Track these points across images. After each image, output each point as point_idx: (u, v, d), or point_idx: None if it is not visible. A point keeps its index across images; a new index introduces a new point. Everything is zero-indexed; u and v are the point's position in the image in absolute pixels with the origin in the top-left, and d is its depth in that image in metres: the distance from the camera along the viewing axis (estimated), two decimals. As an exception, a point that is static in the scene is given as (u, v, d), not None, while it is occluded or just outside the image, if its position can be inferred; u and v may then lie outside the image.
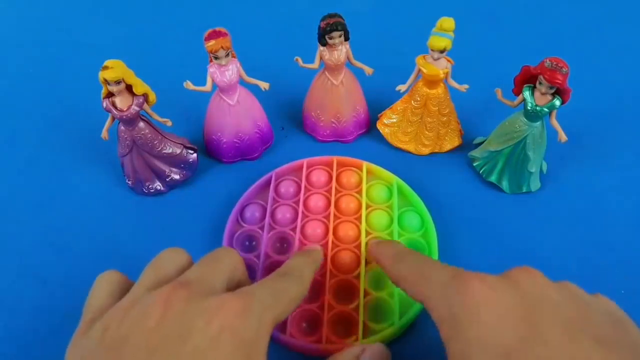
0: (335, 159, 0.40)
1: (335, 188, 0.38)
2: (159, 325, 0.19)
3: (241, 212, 0.37)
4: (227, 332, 0.19)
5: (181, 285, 0.21)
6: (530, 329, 0.19)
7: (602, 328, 0.20)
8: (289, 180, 0.39)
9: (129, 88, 0.35)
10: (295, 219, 0.36)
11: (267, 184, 0.39)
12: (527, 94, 0.35)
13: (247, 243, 0.36)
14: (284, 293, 0.24)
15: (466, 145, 0.43)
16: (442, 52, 0.37)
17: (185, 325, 0.19)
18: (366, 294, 0.32)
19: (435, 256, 0.34)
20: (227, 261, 0.24)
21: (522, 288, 0.20)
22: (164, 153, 0.39)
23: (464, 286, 0.20)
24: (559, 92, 0.34)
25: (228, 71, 0.37)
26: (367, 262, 0.33)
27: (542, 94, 0.34)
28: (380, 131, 0.44)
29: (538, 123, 0.36)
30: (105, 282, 0.23)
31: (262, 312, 0.21)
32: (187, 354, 0.18)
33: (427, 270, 0.23)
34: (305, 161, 0.40)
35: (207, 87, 0.38)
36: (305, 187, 0.38)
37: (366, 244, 0.34)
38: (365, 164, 0.40)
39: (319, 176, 0.39)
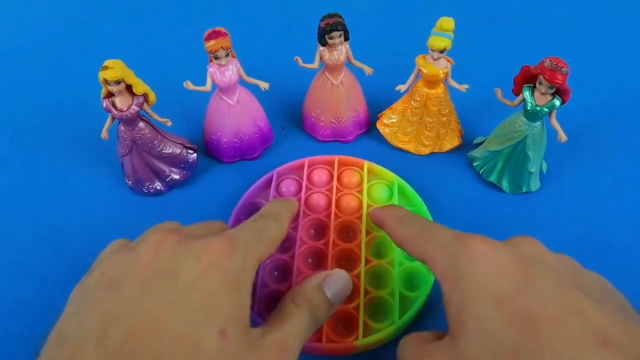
0: (336, 158, 0.40)
1: (337, 187, 0.38)
2: (152, 263, 0.21)
3: (243, 210, 0.37)
4: (214, 268, 0.21)
5: (172, 230, 0.23)
6: (525, 281, 0.20)
7: (595, 289, 0.21)
8: (290, 179, 0.39)
9: (129, 88, 0.35)
10: (296, 218, 0.36)
11: (269, 183, 0.39)
12: (527, 94, 0.35)
13: (247, 243, 0.36)
14: (264, 233, 0.25)
15: (466, 145, 0.43)
16: (442, 52, 0.37)
17: (176, 263, 0.21)
18: (366, 292, 0.32)
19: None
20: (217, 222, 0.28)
21: (521, 250, 0.22)
22: (164, 153, 0.39)
23: (466, 243, 0.22)
24: (558, 92, 0.34)
25: (228, 71, 0.37)
26: (367, 261, 0.33)
27: (542, 94, 0.34)
28: (380, 131, 0.44)
29: (538, 123, 0.36)
30: (114, 244, 0.25)
31: (245, 251, 0.23)
32: (179, 286, 0.20)
33: (432, 231, 0.24)
34: (306, 160, 0.40)
35: (207, 87, 0.38)
36: (307, 186, 0.38)
37: (367, 214, 0.34)
38: (366, 164, 0.40)
39: (320, 175, 0.39)
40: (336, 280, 0.26)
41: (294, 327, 0.23)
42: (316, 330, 0.24)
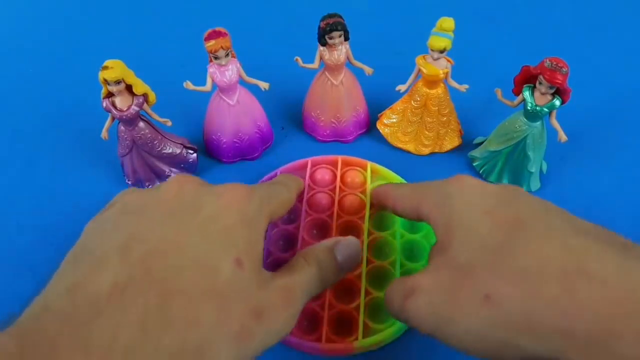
0: (340, 158, 0.40)
1: (339, 187, 0.38)
2: (175, 197, 0.22)
3: None
4: (234, 206, 0.22)
5: (191, 175, 0.25)
6: (509, 197, 0.22)
7: (577, 219, 0.22)
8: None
9: (129, 88, 0.35)
10: (298, 217, 0.36)
11: None
12: (527, 94, 0.35)
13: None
14: (275, 193, 0.27)
15: (466, 145, 0.43)
16: (442, 52, 0.37)
17: (198, 199, 0.22)
18: (367, 293, 0.32)
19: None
20: None
21: (505, 185, 0.24)
22: (164, 153, 0.39)
23: (454, 178, 0.24)
24: (558, 92, 0.34)
25: (228, 71, 0.37)
26: (369, 262, 0.33)
27: (542, 94, 0.34)
28: (380, 131, 0.44)
29: (538, 123, 0.36)
30: (128, 189, 0.26)
31: (261, 200, 0.24)
32: (200, 217, 0.21)
33: (425, 184, 0.26)
34: (309, 160, 0.40)
35: (207, 87, 0.38)
36: (309, 185, 0.38)
37: (371, 194, 0.35)
38: (369, 164, 0.40)
39: (323, 175, 0.39)
40: (347, 246, 0.26)
41: (301, 278, 0.23)
42: (322, 291, 0.26)
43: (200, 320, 0.18)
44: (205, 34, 0.35)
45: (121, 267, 0.18)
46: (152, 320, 0.17)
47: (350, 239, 0.27)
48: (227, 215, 0.22)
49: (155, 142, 0.38)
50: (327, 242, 0.26)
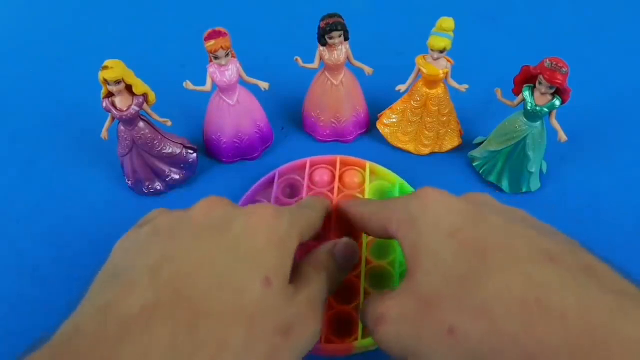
0: (338, 158, 0.40)
1: (338, 187, 0.38)
2: (204, 219, 0.23)
3: None
4: (263, 226, 0.22)
5: (223, 197, 0.25)
6: (475, 217, 0.22)
7: (543, 228, 0.22)
8: (292, 179, 0.39)
9: (128, 88, 0.35)
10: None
11: (271, 182, 0.39)
12: (527, 94, 0.35)
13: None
14: (304, 216, 0.27)
15: (466, 145, 0.43)
16: (442, 52, 0.37)
17: (228, 219, 0.23)
18: (366, 293, 0.32)
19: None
20: None
21: (471, 199, 0.24)
22: (164, 153, 0.39)
23: (418, 194, 0.24)
24: (558, 92, 0.34)
25: (228, 71, 0.37)
26: (368, 262, 0.33)
27: (542, 94, 0.34)
28: (380, 131, 0.44)
29: (538, 123, 0.36)
30: (159, 209, 0.26)
31: (291, 221, 0.24)
32: (229, 237, 0.22)
33: (390, 201, 0.26)
34: (308, 160, 0.40)
35: (207, 87, 0.38)
36: (308, 186, 0.38)
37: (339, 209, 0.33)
38: (368, 164, 0.40)
39: (322, 175, 0.39)
40: (344, 247, 0.27)
41: (317, 288, 0.24)
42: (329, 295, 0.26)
43: (229, 342, 0.18)
44: (205, 34, 0.35)
45: (151, 289, 0.19)
46: (181, 342, 0.18)
47: (347, 239, 0.28)
48: (257, 234, 0.22)
49: (155, 142, 0.38)
50: (326, 247, 0.27)
